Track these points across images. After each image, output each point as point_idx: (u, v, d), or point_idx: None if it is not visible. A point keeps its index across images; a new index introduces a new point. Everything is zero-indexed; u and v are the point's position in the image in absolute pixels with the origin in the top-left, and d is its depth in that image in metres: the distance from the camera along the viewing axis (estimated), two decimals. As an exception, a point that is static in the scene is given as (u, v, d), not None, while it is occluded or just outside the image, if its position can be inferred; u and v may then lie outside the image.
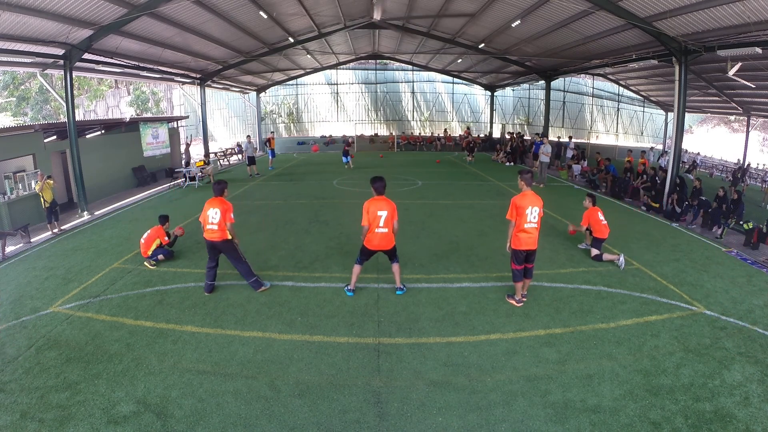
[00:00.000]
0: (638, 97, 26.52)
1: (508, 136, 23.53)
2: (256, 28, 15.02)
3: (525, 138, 23.30)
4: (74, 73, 11.00)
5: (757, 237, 8.21)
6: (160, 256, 6.91)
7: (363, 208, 5.36)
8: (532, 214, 5.17)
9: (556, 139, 20.90)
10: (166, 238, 7.06)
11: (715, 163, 25.65)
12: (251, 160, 16.40)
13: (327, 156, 23.04)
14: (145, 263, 6.82)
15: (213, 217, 5.51)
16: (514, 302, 5.53)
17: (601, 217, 7.19)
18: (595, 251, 7.15)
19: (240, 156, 22.02)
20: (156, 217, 7.57)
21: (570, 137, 20.22)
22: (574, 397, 3.73)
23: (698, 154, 27.01)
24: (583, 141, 25.49)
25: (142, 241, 6.94)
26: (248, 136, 17.64)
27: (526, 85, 26.72)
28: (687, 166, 19.00)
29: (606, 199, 12.56)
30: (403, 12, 15.77)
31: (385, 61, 27.14)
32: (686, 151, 25.71)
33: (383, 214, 5.30)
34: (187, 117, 22.68)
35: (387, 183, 5.51)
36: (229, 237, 5.64)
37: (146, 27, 11.35)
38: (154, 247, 6.88)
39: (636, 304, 5.52)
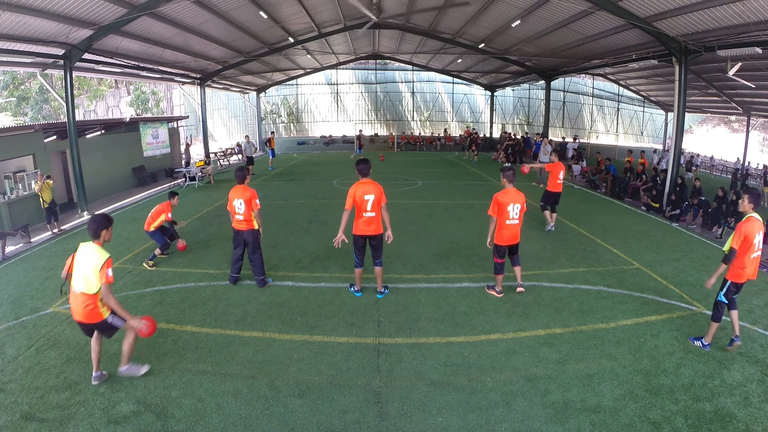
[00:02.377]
0: (638, 97, 26.51)
1: (506, 135, 23.54)
2: (256, 28, 15.02)
3: (515, 135, 23.44)
4: (74, 73, 10.99)
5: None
6: (157, 251, 6.85)
7: (348, 193, 5.19)
8: (514, 210, 5.31)
9: (570, 141, 20.93)
10: (170, 215, 6.98)
11: (714, 163, 25.65)
12: (250, 161, 16.47)
13: (327, 156, 23.04)
14: (144, 264, 6.79)
15: (239, 207, 5.61)
16: (494, 293, 5.65)
17: (561, 176, 8.64)
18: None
19: (240, 156, 22.06)
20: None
21: (575, 137, 20.23)
22: (574, 397, 3.73)
23: (698, 156, 26.97)
24: (583, 141, 25.50)
25: (150, 214, 6.88)
26: (247, 137, 17.82)
27: (526, 85, 26.73)
28: (684, 167, 19.02)
29: (606, 199, 12.58)
30: (403, 10, 15.75)
31: (385, 61, 27.13)
32: (684, 150, 25.69)
33: (370, 198, 5.14)
34: (187, 117, 22.68)
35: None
36: (256, 227, 5.72)
37: (146, 27, 11.35)
38: (158, 221, 6.82)
39: (636, 304, 5.52)
